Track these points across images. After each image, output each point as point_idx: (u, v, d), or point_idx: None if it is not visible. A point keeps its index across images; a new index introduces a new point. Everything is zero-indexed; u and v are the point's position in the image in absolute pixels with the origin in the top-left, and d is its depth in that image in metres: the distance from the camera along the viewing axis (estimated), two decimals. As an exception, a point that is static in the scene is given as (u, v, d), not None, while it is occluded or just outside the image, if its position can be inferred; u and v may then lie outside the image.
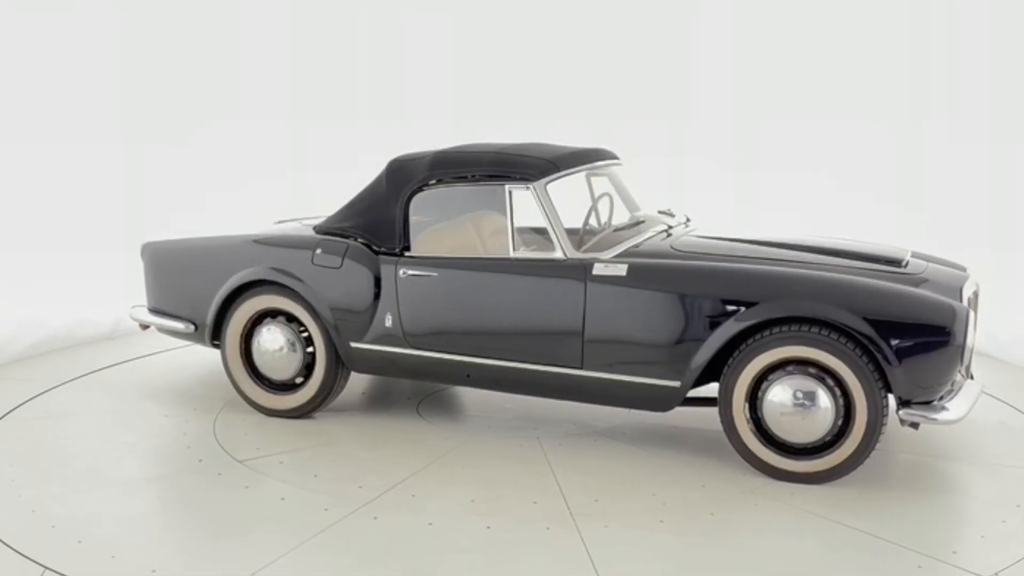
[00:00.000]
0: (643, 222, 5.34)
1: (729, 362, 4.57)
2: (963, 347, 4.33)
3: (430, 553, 3.88)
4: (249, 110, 8.00)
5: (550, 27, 7.95)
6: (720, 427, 4.69)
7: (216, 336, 5.56)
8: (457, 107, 7.74)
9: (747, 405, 4.57)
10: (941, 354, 4.30)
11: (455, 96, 7.85)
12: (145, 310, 5.94)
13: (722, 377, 4.61)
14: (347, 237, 5.32)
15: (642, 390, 4.72)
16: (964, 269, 5.08)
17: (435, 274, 5.05)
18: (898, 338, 4.30)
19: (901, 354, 4.29)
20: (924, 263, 4.91)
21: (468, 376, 5.07)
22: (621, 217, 5.51)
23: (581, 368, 4.79)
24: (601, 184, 5.53)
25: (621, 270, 4.75)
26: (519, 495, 4.42)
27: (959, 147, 6.86)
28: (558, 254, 4.89)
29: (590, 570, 3.75)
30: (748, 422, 4.58)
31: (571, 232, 5.39)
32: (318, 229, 5.50)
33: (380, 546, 3.95)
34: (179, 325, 5.69)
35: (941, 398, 4.41)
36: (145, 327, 5.97)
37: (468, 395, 5.86)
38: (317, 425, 5.33)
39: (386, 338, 5.16)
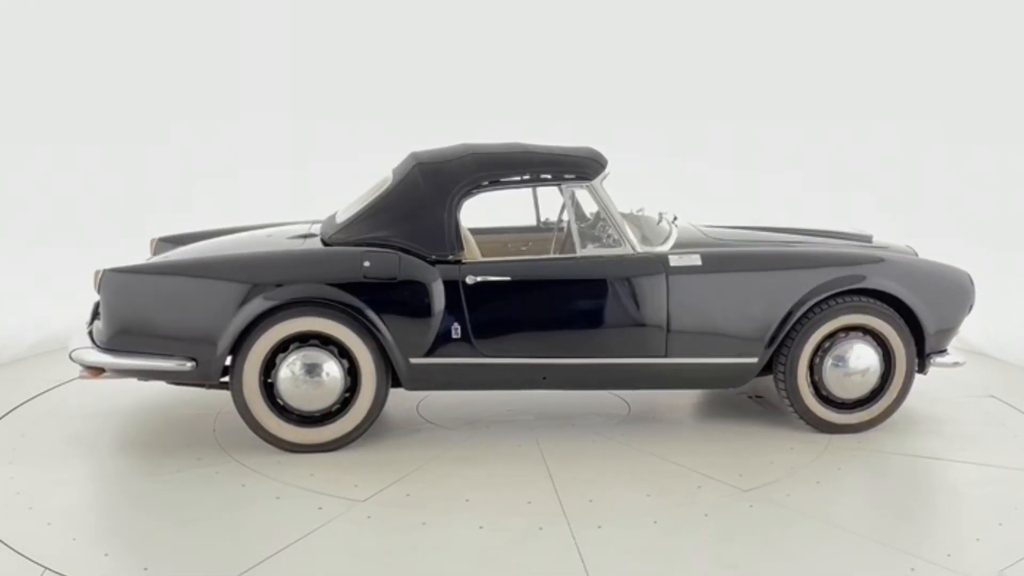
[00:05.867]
0: (661, 218, 5.62)
1: (791, 334, 5.11)
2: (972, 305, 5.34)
3: (689, 549, 3.97)
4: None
5: (548, 26, 7.70)
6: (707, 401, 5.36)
7: (224, 371, 4.84)
8: (455, 105, 7.20)
9: (809, 371, 5.16)
10: (960, 312, 5.27)
11: (453, 94, 7.29)
12: (93, 351, 4.92)
13: (784, 349, 5.12)
14: (386, 247, 4.94)
15: (723, 370, 5.09)
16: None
17: (507, 278, 4.93)
18: (935, 302, 5.17)
19: (936, 314, 5.18)
20: (881, 240, 5.84)
21: (544, 378, 5.03)
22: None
23: (665, 356, 5.02)
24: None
25: (695, 260, 5.05)
26: (680, 484, 4.58)
27: (958, 147, 7.19)
28: (627, 250, 5.04)
29: (840, 530, 4.10)
30: (809, 386, 5.17)
31: (529, 230, 5.60)
32: (336, 240, 5.01)
33: (651, 548, 3.95)
34: (167, 364, 4.82)
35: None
36: (98, 371, 4.93)
37: (458, 397, 5.68)
38: (363, 452, 4.92)
39: (452, 349, 4.91)
